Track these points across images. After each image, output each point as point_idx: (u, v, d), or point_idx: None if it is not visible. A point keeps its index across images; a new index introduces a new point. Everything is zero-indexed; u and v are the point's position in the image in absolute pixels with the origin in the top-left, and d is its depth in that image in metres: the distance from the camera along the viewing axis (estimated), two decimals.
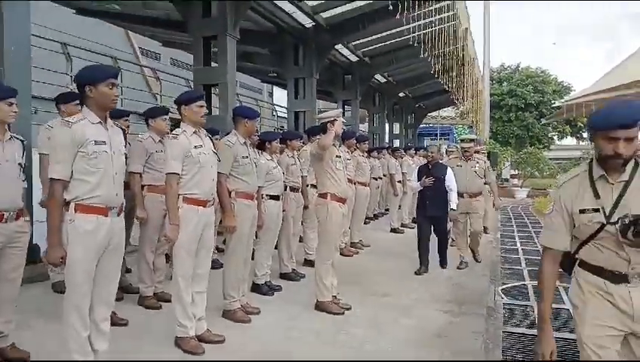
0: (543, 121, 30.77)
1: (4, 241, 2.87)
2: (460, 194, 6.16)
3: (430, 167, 6.17)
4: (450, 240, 6.85)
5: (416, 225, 6.42)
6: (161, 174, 3.67)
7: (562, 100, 28.01)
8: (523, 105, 31.12)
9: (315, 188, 5.22)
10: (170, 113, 4.41)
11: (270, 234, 4.66)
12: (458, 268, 6.27)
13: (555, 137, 35.09)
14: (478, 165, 6.50)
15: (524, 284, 5.75)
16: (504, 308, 4.80)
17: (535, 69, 33.01)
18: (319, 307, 4.23)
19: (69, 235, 2.50)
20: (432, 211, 6.00)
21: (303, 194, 5.55)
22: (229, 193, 3.71)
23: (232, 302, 3.84)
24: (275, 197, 4.68)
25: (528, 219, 12.79)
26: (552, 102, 29.87)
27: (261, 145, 4.66)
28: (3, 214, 2.85)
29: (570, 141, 39.23)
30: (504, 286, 5.57)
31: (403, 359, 3.40)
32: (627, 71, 24.12)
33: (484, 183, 6.69)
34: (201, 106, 3.26)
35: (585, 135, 36.14)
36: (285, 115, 15.90)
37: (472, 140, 6.66)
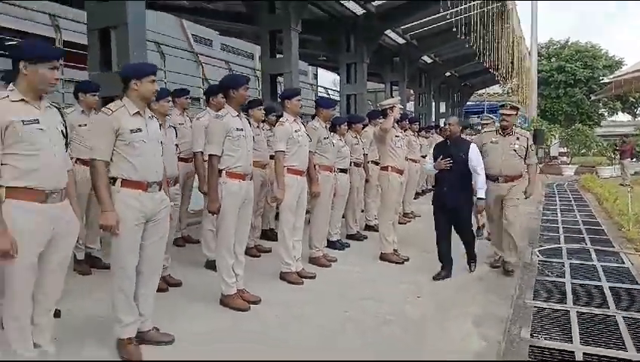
0: (593, 97, 30.37)
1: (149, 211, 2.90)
2: (493, 178, 4.96)
3: (449, 143, 4.90)
4: (484, 234, 6.29)
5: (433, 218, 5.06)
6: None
7: (611, 76, 27.58)
8: (572, 81, 30.84)
9: (375, 165, 6.22)
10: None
11: (341, 201, 5.70)
12: (492, 266, 5.28)
13: (606, 113, 34.47)
14: (518, 142, 5.06)
15: (559, 246, 6.59)
16: (539, 263, 5.69)
17: (585, 43, 32.45)
18: (383, 257, 5.28)
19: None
20: (450, 201, 4.75)
21: (364, 169, 6.54)
22: (315, 166, 4.78)
23: (316, 251, 4.94)
24: (344, 171, 5.70)
25: (572, 194, 13.32)
26: (602, 78, 29.41)
27: (332, 128, 5.68)
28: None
29: (622, 117, 38.40)
30: (540, 248, 6.43)
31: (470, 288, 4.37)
32: None
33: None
34: (299, 100, 4.30)
35: (638, 111, 35.32)
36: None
37: (514, 108, 5.16)
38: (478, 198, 4.76)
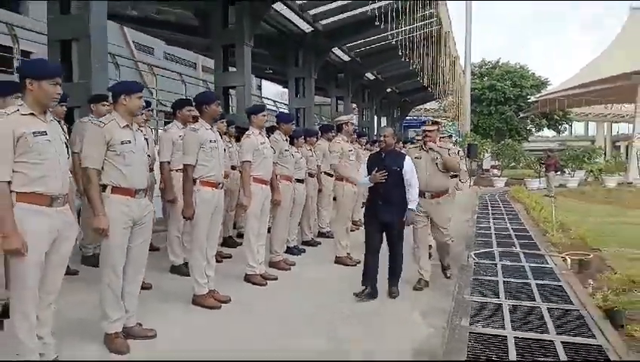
0: (521, 114, 32.64)
1: (137, 216, 3.15)
2: (420, 193, 4.78)
3: (383, 155, 4.64)
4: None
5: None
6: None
7: (537, 96, 29.82)
8: (502, 99, 32.94)
9: (328, 176, 6.66)
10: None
11: (298, 209, 6.07)
12: (415, 288, 4.92)
13: (533, 129, 37.01)
14: (440, 156, 4.99)
15: (492, 250, 7.28)
16: (474, 264, 6.30)
17: (514, 64, 34.83)
18: (338, 261, 5.69)
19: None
20: (384, 215, 4.50)
21: (318, 180, 6.97)
22: (276, 176, 5.14)
23: (277, 255, 5.28)
24: (301, 181, 6.09)
25: (502, 204, 14.38)
26: (529, 96, 31.69)
27: (290, 140, 6.07)
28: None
29: (547, 132, 41.30)
30: (476, 252, 7.08)
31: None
32: (599, 68, 25.92)
33: (452, 176, 5.46)
34: (264, 115, 4.66)
35: (562, 127, 38.17)
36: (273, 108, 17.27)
37: (436, 123, 5.17)
38: (408, 209, 4.53)
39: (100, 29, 5.92)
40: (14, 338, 2.53)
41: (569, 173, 23.52)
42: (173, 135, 4.78)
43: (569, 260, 6.58)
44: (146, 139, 4.48)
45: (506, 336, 3.87)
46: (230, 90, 9.83)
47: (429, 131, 5.03)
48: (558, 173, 20.81)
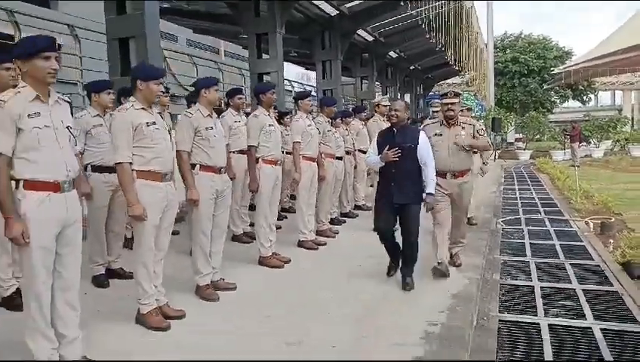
0: (545, 86, 32.39)
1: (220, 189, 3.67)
2: (441, 173, 4.36)
3: (395, 131, 4.14)
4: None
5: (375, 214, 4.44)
6: None
7: (560, 68, 29.56)
8: (526, 72, 32.72)
9: (362, 153, 7.19)
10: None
11: (338, 184, 6.56)
12: (435, 270, 4.34)
13: (558, 101, 36.67)
14: (464, 132, 4.52)
15: (518, 217, 7.77)
16: (502, 230, 6.82)
17: (537, 35, 34.44)
18: None
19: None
20: (398, 197, 4.05)
21: (353, 157, 7.50)
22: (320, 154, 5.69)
23: (322, 225, 5.86)
24: (340, 158, 6.61)
25: (528, 175, 14.73)
26: (553, 68, 31.39)
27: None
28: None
29: (572, 104, 40.78)
30: (503, 219, 7.58)
31: None
32: (622, 37, 25.60)
33: (474, 151, 4.86)
34: (310, 100, 5.18)
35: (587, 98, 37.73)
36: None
37: (457, 94, 4.58)
38: (427, 193, 4.06)
39: (153, 28, 6.53)
40: (138, 286, 3.17)
41: (594, 144, 23.53)
42: (228, 121, 5.36)
43: (591, 223, 7.06)
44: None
45: (533, 286, 4.43)
46: (264, 75, 10.38)
47: (451, 104, 4.46)
48: (583, 143, 20.90)
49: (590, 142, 23.30)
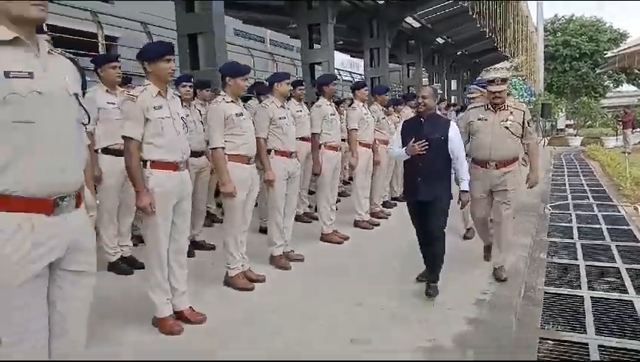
0: (598, 70, 31.34)
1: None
2: (482, 163, 4.07)
3: (422, 121, 3.73)
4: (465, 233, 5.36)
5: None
6: None
7: (615, 50, 28.51)
8: (577, 55, 31.82)
9: None
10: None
11: (390, 169, 7.00)
12: (497, 277, 4.07)
13: (611, 85, 35.43)
14: (512, 117, 4.06)
15: (566, 202, 7.95)
16: (550, 214, 7.05)
17: (589, 17, 33.32)
18: None
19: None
20: (425, 193, 3.66)
21: None
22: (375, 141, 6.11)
23: (375, 207, 6.30)
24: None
25: (578, 162, 14.61)
26: (606, 52, 30.34)
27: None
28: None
29: (627, 88, 39.26)
30: (551, 204, 7.78)
31: None
32: None
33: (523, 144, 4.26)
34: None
35: None
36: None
37: (504, 80, 4.13)
38: (461, 191, 3.75)
39: (219, 24, 7.08)
40: (228, 254, 3.73)
41: None
42: (291, 110, 5.82)
43: None
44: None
45: (579, 265, 4.72)
46: (316, 65, 10.82)
47: (499, 92, 4.01)
48: (637, 130, 20.34)
49: None
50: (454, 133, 3.68)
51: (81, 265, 1.75)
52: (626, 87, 38.15)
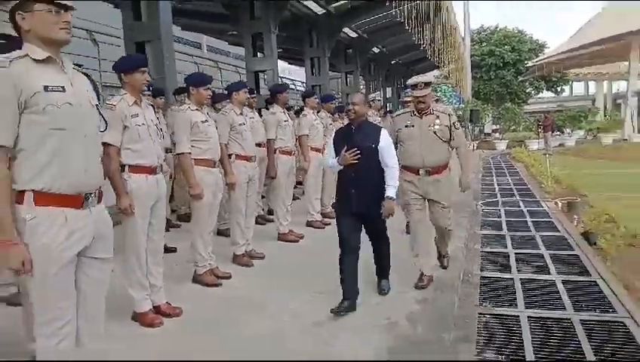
0: (520, 78, 33.67)
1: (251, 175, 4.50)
2: (413, 170, 3.99)
3: (353, 129, 3.61)
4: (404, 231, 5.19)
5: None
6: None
7: (535, 60, 30.81)
8: (502, 64, 33.93)
9: None
10: None
11: None
12: (417, 286, 3.98)
13: (533, 92, 38.07)
14: (439, 121, 4.00)
15: (495, 200, 8.70)
16: (482, 210, 7.73)
17: (512, 29, 35.69)
18: None
19: None
20: (359, 205, 3.54)
21: None
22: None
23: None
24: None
25: (504, 164, 15.76)
26: (526, 62, 32.66)
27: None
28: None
29: (547, 94, 42.27)
30: (482, 201, 8.49)
31: None
32: (593, 29, 26.84)
33: (451, 148, 4.16)
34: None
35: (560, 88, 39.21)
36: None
37: (427, 84, 3.96)
38: (386, 197, 3.52)
39: (167, 32, 7.23)
40: (196, 253, 3.95)
41: (568, 133, 24.82)
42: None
43: (560, 203, 8.01)
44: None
45: (508, 254, 5.30)
46: (260, 73, 11.12)
47: (422, 97, 3.92)
48: (557, 133, 22.14)
49: (563, 132, 24.60)
50: (385, 140, 3.57)
51: (104, 252, 2.03)
52: (546, 94, 41.12)
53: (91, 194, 1.95)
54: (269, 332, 3.22)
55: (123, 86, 3.13)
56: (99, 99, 2.14)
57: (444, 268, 4.46)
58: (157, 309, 3.28)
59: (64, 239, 1.84)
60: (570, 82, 42.29)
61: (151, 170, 3.15)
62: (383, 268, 3.92)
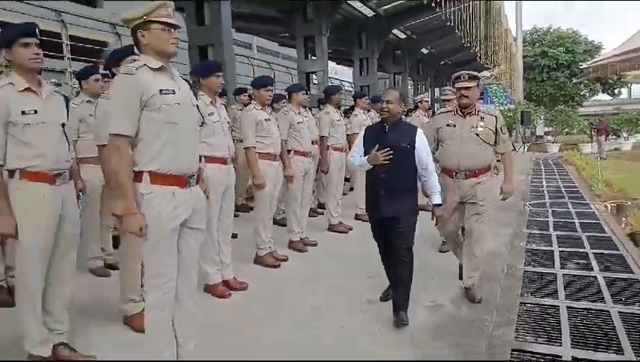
0: (575, 80, 32.71)
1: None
2: (451, 173, 3.76)
3: (387, 128, 3.35)
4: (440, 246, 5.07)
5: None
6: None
7: (591, 61, 29.87)
8: (555, 66, 33.15)
9: None
10: None
11: None
12: (471, 298, 3.77)
13: (587, 94, 36.88)
14: (483, 123, 3.71)
15: (543, 201, 8.74)
16: (529, 211, 7.82)
17: (566, 29, 34.74)
18: None
19: None
20: (387, 209, 3.28)
21: None
22: None
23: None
24: None
25: (555, 167, 15.53)
26: (581, 63, 31.71)
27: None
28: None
29: (603, 97, 40.83)
30: (530, 202, 8.56)
31: None
32: None
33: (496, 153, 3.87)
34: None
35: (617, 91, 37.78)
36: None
37: (474, 78, 3.68)
38: (434, 205, 3.39)
39: (228, 36, 7.73)
40: (258, 237, 4.40)
41: (624, 137, 23.98)
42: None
43: (609, 206, 7.99)
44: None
45: (553, 251, 5.44)
46: (311, 74, 11.55)
47: (465, 89, 3.64)
48: (613, 137, 21.46)
49: (619, 136, 23.79)
50: (422, 142, 3.31)
51: (199, 223, 2.47)
52: (602, 96, 39.72)
53: (193, 176, 2.37)
54: (325, 308, 3.58)
55: (200, 88, 3.55)
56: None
57: (478, 301, 3.74)
58: (226, 283, 3.72)
59: (172, 210, 2.26)
60: (629, 85, 40.63)
61: (223, 161, 3.58)
62: (401, 283, 3.32)
